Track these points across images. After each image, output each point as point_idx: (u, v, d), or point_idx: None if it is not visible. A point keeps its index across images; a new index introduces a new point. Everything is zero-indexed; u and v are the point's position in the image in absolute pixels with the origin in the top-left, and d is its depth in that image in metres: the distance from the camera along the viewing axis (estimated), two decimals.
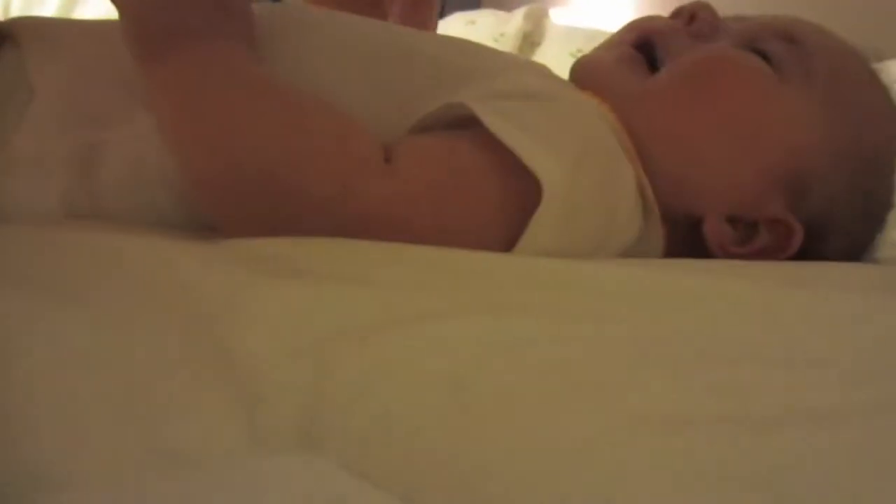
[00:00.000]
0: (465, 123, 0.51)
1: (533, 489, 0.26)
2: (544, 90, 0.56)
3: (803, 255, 0.57)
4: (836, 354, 0.33)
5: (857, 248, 0.62)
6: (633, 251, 0.53)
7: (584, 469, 0.26)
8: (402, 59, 0.59)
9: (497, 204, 0.50)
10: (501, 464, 0.27)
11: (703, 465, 0.25)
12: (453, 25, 1.68)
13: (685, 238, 0.56)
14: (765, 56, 0.59)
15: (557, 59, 0.69)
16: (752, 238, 0.57)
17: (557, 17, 1.82)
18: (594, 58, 0.64)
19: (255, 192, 0.48)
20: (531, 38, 1.69)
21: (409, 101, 0.55)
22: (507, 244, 0.49)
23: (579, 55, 0.69)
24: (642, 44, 0.62)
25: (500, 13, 1.85)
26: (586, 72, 0.62)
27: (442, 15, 1.33)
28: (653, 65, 0.61)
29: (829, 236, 0.58)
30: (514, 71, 0.62)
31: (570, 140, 0.51)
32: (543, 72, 0.65)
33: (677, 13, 0.63)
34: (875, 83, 0.63)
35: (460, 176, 0.51)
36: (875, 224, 0.63)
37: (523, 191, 0.49)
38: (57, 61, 0.55)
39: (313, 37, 0.59)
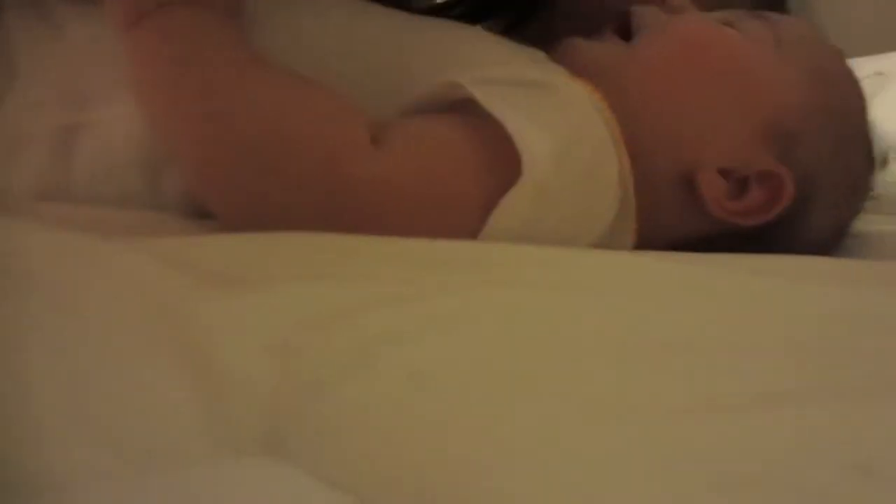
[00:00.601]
0: (456, 107, 0.52)
1: (489, 481, 0.26)
2: (539, 78, 0.56)
3: (790, 229, 0.58)
4: (799, 341, 0.34)
5: (838, 227, 0.63)
6: (602, 245, 0.53)
7: (542, 458, 0.27)
8: (400, 46, 0.59)
9: (480, 185, 0.50)
10: (459, 458, 0.27)
11: (661, 451, 0.26)
12: None
13: (675, 206, 0.57)
14: (738, 28, 0.60)
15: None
16: (745, 193, 0.57)
17: None
18: (578, 44, 0.63)
19: (240, 164, 0.48)
20: None
21: (404, 87, 0.55)
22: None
23: None
24: (621, 25, 0.62)
25: None
26: (570, 52, 0.62)
27: None
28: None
29: (815, 201, 0.59)
30: (510, 58, 0.62)
31: (561, 124, 0.52)
32: (540, 59, 0.65)
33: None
34: (841, 58, 0.64)
35: (445, 149, 0.52)
36: (855, 200, 0.64)
37: (507, 174, 0.49)
38: (43, 41, 0.55)
39: (309, 21, 0.59)
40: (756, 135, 0.57)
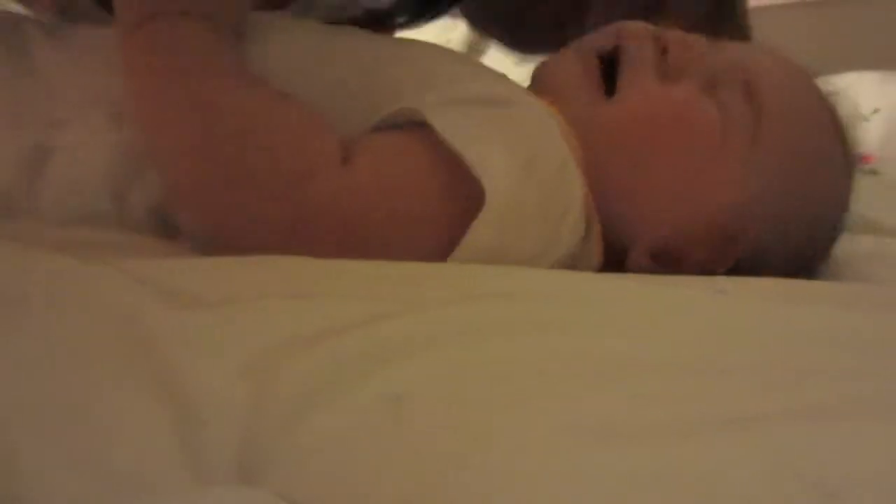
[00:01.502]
0: (420, 125, 0.52)
1: None
2: (502, 97, 0.57)
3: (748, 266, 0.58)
4: (771, 363, 0.34)
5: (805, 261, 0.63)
6: (568, 265, 0.54)
7: (522, 482, 0.27)
8: (366, 66, 0.60)
9: (442, 206, 0.51)
10: (439, 484, 0.28)
11: (626, 474, 0.26)
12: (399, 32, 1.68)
13: (609, 261, 0.56)
14: (720, 105, 0.58)
15: (502, 66, 0.68)
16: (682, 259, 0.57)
17: None
18: (554, 66, 0.64)
19: (217, 174, 0.50)
20: (477, 46, 1.69)
21: (371, 107, 0.56)
22: (451, 246, 0.50)
23: (523, 64, 0.69)
24: (609, 52, 0.61)
25: (446, 20, 1.84)
26: (544, 80, 0.62)
27: None
28: (612, 78, 0.60)
29: (767, 259, 0.59)
30: (476, 76, 0.63)
31: (521, 147, 0.52)
32: (505, 79, 0.65)
33: (654, 38, 0.61)
34: (826, 142, 0.62)
35: (410, 175, 0.53)
36: (806, 266, 0.63)
37: (468, 195, 0.50)
38: (15, 66, 0.56)
39: (276, 45, 0.60)
40: (696, 230, 0.56)
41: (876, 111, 1.59)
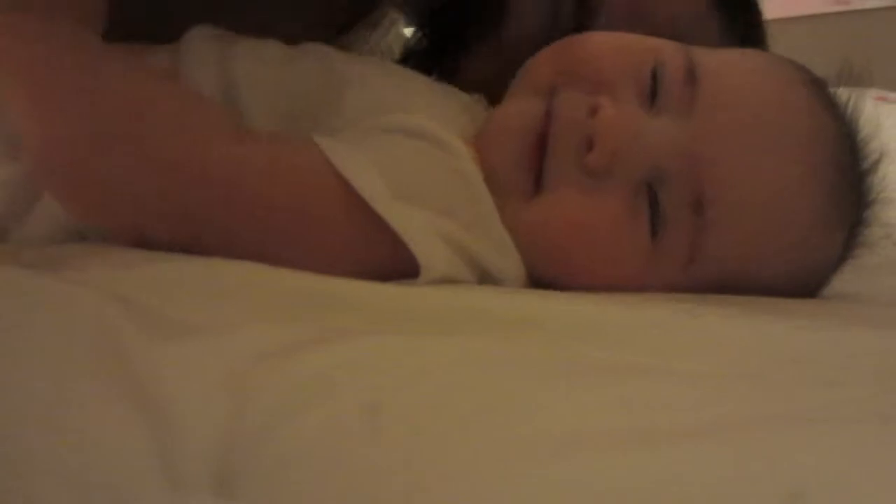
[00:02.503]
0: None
1: None
2: (428, 131, 0.54)
3: None
4: (741, 370, 0.34)
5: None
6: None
7: (487, 492, 0.27)
8: (336, 92, 0.59)
9: (339, 213, 0.50)
10: (411, 491, 0.28)
11: (592, 482, 0.26)
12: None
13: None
14: (655, 203, 0.53)
15: None
16: None
17: None
18: (500, 137, 0.58)
19: (109, 153, 0.49)
20: None
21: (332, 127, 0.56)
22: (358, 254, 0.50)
23: None
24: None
25: None
26: (485, 145, 0.58)
27: None
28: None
29: None
30: (434, 103, 0.61)
31: (437, 192, 0.52)
32: (469, 104, 0.64)
33: (582, 127, 0.55)
34: (802, 223, 0.56)
35: (306, 174, 0.51)
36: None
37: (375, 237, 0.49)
38: None
39: (243, 64, 0.60)
40: None
41: None
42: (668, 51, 0.58)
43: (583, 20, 0.71)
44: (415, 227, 0.49)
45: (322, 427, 0.31)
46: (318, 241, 0.50)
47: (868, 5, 2.39)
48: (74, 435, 0.30)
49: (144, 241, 0.50)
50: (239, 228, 0.49)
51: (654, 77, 0.56)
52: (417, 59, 0.79)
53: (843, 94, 0.61)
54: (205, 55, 0.59)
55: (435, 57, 0.79)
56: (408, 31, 0.86)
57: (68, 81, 0.51)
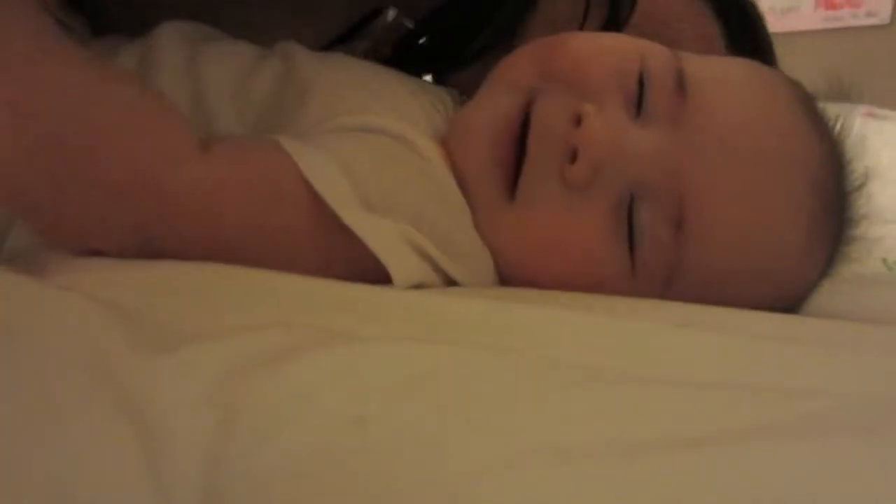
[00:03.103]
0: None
1: None
2: (395, 131, 0.53)
3: None
4: (719, 383, 0.34)
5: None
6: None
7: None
8: (299, 96, 0.58)
9: (313, 244, 0.49)
10: (399, 503, 0.28)
11: (590, 491, 0.26)
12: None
13: None
14: (635, 219, 0.52)
15: None
16: None
17: None
18: (471, 137, 0.56)
19: (47, 177, 0.44)
20: None
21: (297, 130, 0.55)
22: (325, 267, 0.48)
23: None
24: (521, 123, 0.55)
25: None
26: (455, 145, 0.56)
27: None
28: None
29: None
30: (406, 101, 0.60)
31: (411, 195, 0.51)
32: (445, 101, 0.63)
33: (564, 138, 0.53)
34: (782, 248, 0.55)
35: (270, 179, 0.49)
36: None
37: (345, 245, 0.48)
38: None
39: (211, 69, 0.59)
40: None
41: None
42: (656, 56, 0.56)
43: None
44: (383, 237, 0.48)
45: (309, 440, 0.31)
46: (289, 254, 0.49)
47: (858, 23, 2.41)
48: (60, 448, 0.30)
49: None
50: (203, 248, 0.47)
51: (641, 83, 0.54)
52: (413, 58, 0.78)
53: (832, 110, 0.60)
54: (174, 59, 0.58)
55: (434, 58, 0.77)
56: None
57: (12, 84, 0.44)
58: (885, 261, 1.37)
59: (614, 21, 0.70)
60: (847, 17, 2.42)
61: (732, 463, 0.27)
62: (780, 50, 0.82)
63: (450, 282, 0.52)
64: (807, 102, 0.58)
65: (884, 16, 2.38)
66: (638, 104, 0.54)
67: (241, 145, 0.52)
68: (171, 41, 0.59)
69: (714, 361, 0.36)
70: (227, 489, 0.29)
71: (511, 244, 0.53)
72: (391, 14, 0.78)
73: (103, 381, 0.32)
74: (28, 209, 0.47)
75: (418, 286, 0.50)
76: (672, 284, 0.53)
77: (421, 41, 0.79)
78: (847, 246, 0.60)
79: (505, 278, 0.54)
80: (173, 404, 0.32)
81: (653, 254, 0.52)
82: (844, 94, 0.65)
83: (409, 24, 0.79)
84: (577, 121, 0.53)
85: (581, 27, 0.70)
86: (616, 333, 0.39)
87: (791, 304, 0.58)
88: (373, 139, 0.52)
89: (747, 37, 0.76)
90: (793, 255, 0.55)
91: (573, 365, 0.34)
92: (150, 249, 0.47)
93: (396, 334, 0.38)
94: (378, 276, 0.49)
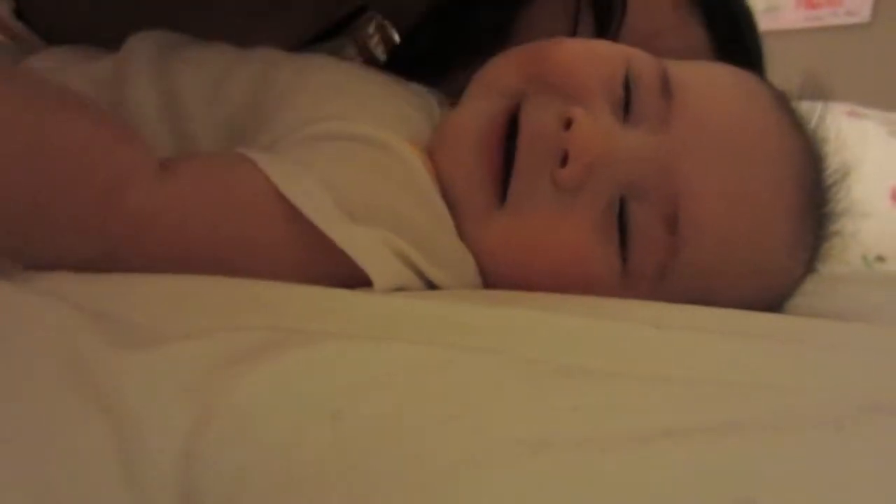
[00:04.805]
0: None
1: None
2: (373, 137, 0.53)
3: None
4: (705, 378, 0.35)
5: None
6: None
7: (450, 496, 0.27)
8: (276, 103, 0.58)
9: (291, 255, 0.49)
10: (372, 496, 0.28)
11: (561, 484, 0.27)
12: None
13: None
14: (626, 225, 0.52)
15: None
16: None
17: None
18: (457, 142, 0.56)
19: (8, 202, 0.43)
20: None
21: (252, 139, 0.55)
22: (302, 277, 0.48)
23: None
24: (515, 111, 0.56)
25: None
26: (440, 150, 0.56)
27: None
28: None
29: None
30: (385, 104, 0.59)
31: (387, 200, 0.51)
32: (425, 103, 0.63)
33: (556, 138, 0.53)
34: (772, 243, 0.56)
35: (236, 191, 0.49)
36: None
37: (324, 253, 0.48)
38: None
39: (185, 76, 0.59)
40: None
41: None
42: (641, 60, 0.56)
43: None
44: (362, 244, 0.48)
45: (285, 435, 0.31)
46: (267, 266, 0.48)
47: (838, 22, 2.43)
48: (36, 446, 0.30)
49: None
50: (175, 265, 0.46)
51: (627, 87, 0.55)
52: (404, 63, 0.77)
53: (811, 108, 0.61)
54: (146, 66, 0.58)
55: (423, 63, 0.76)
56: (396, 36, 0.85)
57: None
58: (864, 258, 1.39)
59: (603, 33, 0.70)
60: (827, 17, 2.44)
61: (706, 456, 0.28)
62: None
63: (432, 286, 0.52)
64: (782, 101, 0.59)
65: (864, 14, 2.39)
66: (625, 107, 0.55)
67: (206, 161, 0.51)
68: (144, 49, 0.59)
69: (689, 359, 0.36)
70: (202, 484, 0.30)
71: (501, 248, 0.53)
72: (373, 19, 0.79)
73: (78, 377, 0.32)
74: None
75: (399, 290, 0.50)
76: (661, 283, 0.53)
77: (410, 47, 0.79)
78: (828, 241, 0.60)
79: (491, 284, 0.54)
80: (149, 400, 0.32)
81: (646, 254, 0.52)
82: (825, 93, 0.66)
83: (392, 31, 0.79)
84: (567, 124, 0.53)
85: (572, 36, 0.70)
86: (592, 332, 0.39)
87: (776, 300, 0.59)
88: (352, 146, 0.52)
89: (736, 42, 0.76)
90: (780, 249, 0.56)
91: (549, 362, 0.34)
92: (123, 269, 0.46)
93: (368, 332, 0.38)
94: (360, 281, 0.49)
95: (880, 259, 1.34)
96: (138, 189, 0.46)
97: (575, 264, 0.52)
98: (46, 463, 0.29)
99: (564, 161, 0.52)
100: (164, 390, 0.32)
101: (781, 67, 0.70)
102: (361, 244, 0.48)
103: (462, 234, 0.53)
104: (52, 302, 0.38)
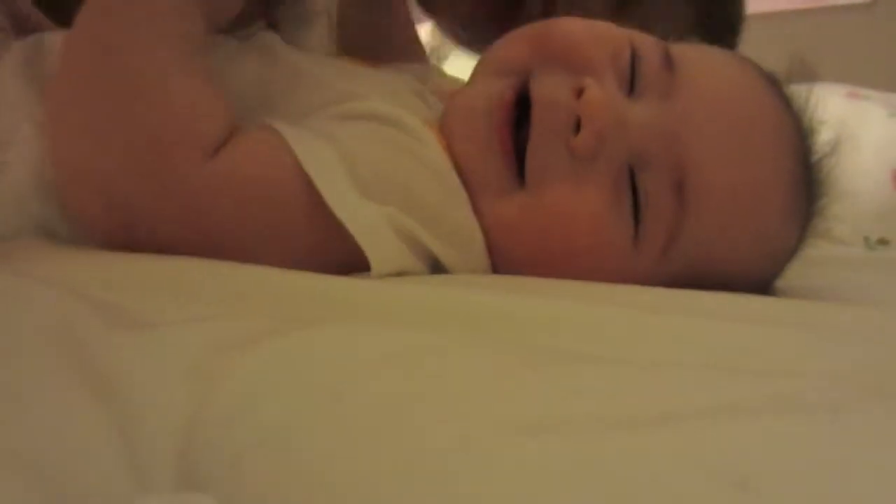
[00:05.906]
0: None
1: (400, 500, 0.27)
2: (390, 115, 0.55)
3: None
4: (685, 361, 0.35)
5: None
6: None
7: (450, 478, 0.27)
8: (287, 82, 0.60)
9: (304, 237, 0.51)
10: (372, 475, 0.28)
11: (560, 466, 0.27)
12: None
13: None
14: (636, 193, 0.54)
15: (465, 72, 0.66)
16: None
17: None
18: (468, 120, 0.57)
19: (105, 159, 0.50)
20: (438, 53, 1.69)
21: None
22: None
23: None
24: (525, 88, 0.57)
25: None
26: (452, 128, 0.57)
27: None
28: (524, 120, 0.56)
29: None
30: (380, 92, 0.61)
31: (398, 181, 0.52)
32: (419, 92, 0.64)
33: (567, 110, 0.54)
34: (771, 210, 0.58)
35: (267, 178, 0.51)
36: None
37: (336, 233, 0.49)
38: None
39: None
40: None
41: None
42: (643, 37, 0.58)
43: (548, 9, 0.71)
44: (365, 222, 0.49)
45: (284, 415, 0.31)
46: (282, 249, 0.50)
47: (841, 2, 2.41)
48: (35, 428, 0.30)
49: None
50: (194, 236, 0.49)
51: (632, 65, 0.57)
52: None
53: (807, 90, 0.62)
54: None
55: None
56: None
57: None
58: (867, 240, 1.39)
59: None
60: None
61: (702, 440, 0.28)
62: (763, 30, 0.83)
63: (436, 268, 0.53)
64: (771, 79, 0.62)
65: None
66: (630, 82, 0.56)
67: (251, 141, 0.53)
68: None
69: (688, 344, 0.36)
70: (201, 463, 0.30)
71: (520, 224, 0.54)
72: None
73: (77, 364, 0.33)
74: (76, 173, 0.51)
75: (400, 274, 0.50)
76: (670, 249, 0.54)
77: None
78: (816, 218, 0.62)
79: (502, 263, 0.55)
80: (149, 378, 0.32)
81: (657, 221, 0.54)
82: (815, 74, 0.67)
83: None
84: (579, 93, 0.54)
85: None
86: (591, 318, 0.39)
87: (772, 269, 0.61)
88: (369, 125, 0.53)
89: (718, 16, 0.78)
90: (778, 216, 0.58)
91: (545, 347, 0.34)
92: (137, 234, 0.49)
93: (369, 318, 0.39)
94: (366, 267, 0.50)
95: (883, 242, 1.34)
96: (183, 164, 0.49)
97: (592, 233, 0.53)
98: (45, 445, 0.29)
99: (577, 129, 0.54)
100: (165, 372, 0.32)
101: (783, 48, 0.70)
102: (364, 223, 0.49)
103: (477, 210, 0.54)
104: (50, 286, 0.38)
